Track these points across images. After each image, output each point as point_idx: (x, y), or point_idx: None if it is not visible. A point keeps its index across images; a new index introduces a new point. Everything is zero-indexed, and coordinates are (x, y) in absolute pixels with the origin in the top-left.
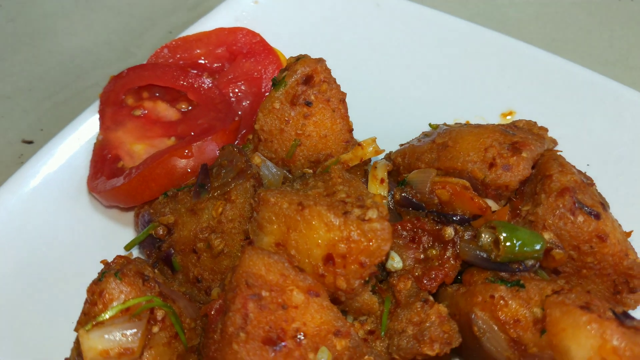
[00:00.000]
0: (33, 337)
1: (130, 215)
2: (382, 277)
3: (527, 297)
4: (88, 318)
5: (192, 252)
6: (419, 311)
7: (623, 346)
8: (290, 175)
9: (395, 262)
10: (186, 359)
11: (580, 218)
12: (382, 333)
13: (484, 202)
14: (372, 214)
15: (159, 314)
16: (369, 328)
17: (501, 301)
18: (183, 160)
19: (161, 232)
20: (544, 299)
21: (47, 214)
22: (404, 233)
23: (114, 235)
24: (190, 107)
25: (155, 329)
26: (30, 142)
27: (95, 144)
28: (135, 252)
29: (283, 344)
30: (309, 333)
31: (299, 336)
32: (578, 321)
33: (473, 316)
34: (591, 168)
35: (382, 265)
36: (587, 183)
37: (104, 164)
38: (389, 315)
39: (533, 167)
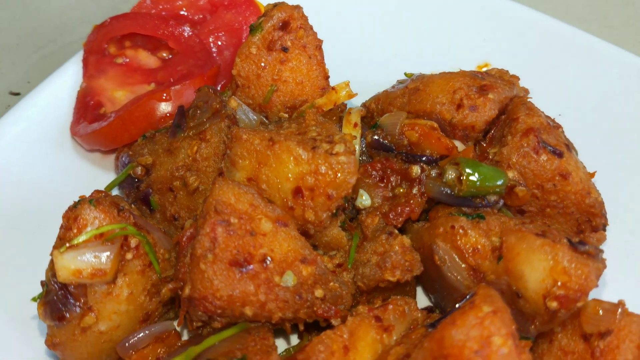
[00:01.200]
0: (12, 270)
1: (112, 160)
2: (351, 215)
3: (486, 228)
4: (63, 242)
5: (169, 190)
6: (383, 242)
7: (573, 267)
8: (266, 121)
9: (364, 200)
10: (160, 289)
11: (544, 157)
12: (350, 265)
13: (451, 142)
14: (339, 148)
15: (133, 242)
16: (337, 262)
17: (461, 230)
18: (161, 103)
19: (139, 172)
20: (503, 229)
21: (31, 158)
22: (374, 173)
23: (95, 178)
24: (170, 55)
25: (129, 256)
26: (17, 94)
27: (78, 91)
28: (115, 194)
29: (250, 267)
30: (275, 259)
31: (266, 261)
32: (532, 245)
33: (435, 246)
34: (563, 118)
35: (352, 204)
36: (554, 126)
37: (87, 110)
38: (356, 249)
39: (503, 114)
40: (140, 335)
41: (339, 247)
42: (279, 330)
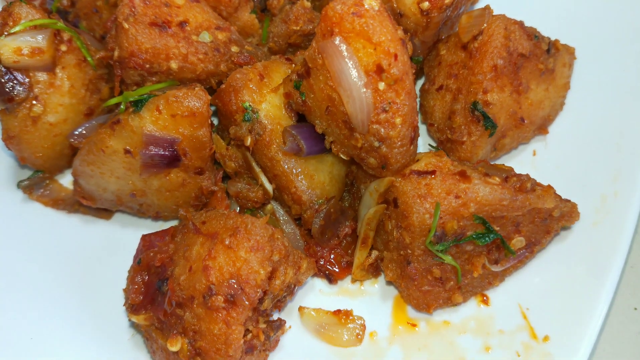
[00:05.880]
0: None
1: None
2: (262, 6)
3: None
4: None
5: (94, 12)
6: (287, 11)
7: None
8: None
9: None
10: (98, 86)
11: None
12: (264, 41)
13: None
14: None
15: (65, 36)
16: (254, 45)
17: None
18: None
19: (66, 3)
20: None
21: None
22: None
23: None
24: None
25: (63, 48)
26: None
27: None
28: None
29: (170, 29)
30: (191, 24)
31: (182, 25)
32: None
33: None
34: None
35: None
36: None
37: None
38: (267, 29)
39: None
40: (87, 125)
41: (253, 33)
42: None
